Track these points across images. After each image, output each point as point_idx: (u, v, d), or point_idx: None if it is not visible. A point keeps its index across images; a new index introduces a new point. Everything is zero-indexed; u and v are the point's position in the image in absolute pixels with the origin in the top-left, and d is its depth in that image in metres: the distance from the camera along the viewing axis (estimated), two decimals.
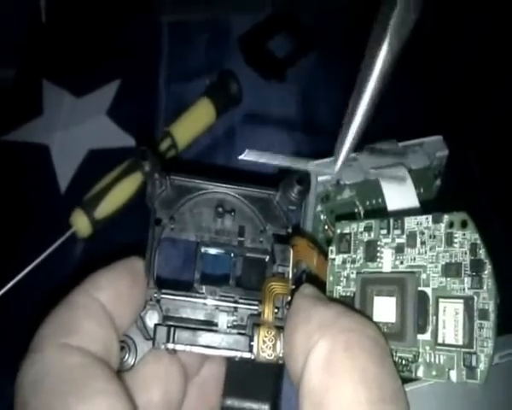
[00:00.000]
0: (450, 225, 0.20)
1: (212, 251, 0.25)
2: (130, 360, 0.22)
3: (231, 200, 0.25)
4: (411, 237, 0.21)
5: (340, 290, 0.23)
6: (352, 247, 0.23)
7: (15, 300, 0.42)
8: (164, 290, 0.23)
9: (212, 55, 0.57)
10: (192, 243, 0.25)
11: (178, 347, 0.22)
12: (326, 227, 0.32)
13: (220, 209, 0.25)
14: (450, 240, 0.20)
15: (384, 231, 0.22)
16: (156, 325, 0.22)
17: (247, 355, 0.22)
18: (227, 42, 0.58)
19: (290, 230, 0.25)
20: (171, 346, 0.22)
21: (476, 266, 0.19)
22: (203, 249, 0.24)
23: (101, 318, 0.21)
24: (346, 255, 0.23)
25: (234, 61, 0.56)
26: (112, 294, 0.21)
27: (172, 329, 0.22)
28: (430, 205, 0.32)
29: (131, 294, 0.22)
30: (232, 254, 0.25)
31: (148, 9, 0.60)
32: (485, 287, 0.19)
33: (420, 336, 0.20)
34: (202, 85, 0.53)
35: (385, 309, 0.21)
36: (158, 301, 0.23)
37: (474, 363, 0.19)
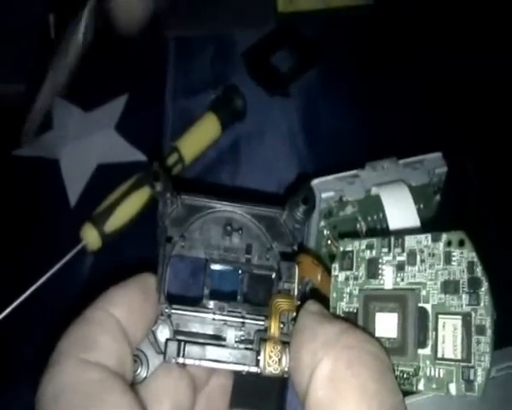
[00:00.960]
0: (449, 243, 0.21)
1: (221, 268, 0.25)
2: (143, 373, 0.23)
3: (239, 218, 0.26)
4: (411, 255, 0.22)
5: (343, 306, 0.23)
6: (354, 264, 0.23)
7: (28, 312, 0.43)
8: (174, 306, 0.24)
9: (217, 70, 0.58)
10: (200, 258, 0.25)
11: (188, 361, 0.23)
12: (329, 242, 0.32)
13: (228, 227, 0.25)
14: (448, 258, 0.21)
15: (385, 249, 0.23)
16: (167, 340, 0.23)
17: (253, 369, 0.23)
18: (231, 57, 0.58)
19: (296, 247, 0.25)
20: (181, 360, 0.23)
21: (473, 283, 0.20)
22: (212, 266, 0.25)
23: (116, 333, 0.21)
24: (348, 272, 0.23)
25: (238, 75, 0.57)
26: (126, 309, 0.22)
27: (182, 343, 0.23)
28: (430, 220, 0.33)
29: (144, 309, 0.23)
30: (240, 271, 0.25)
31: (154, 25, 0.62)
32: (482, 304, 0.19)
33: (420, 351, 0.20)
34: (208, 99, 0.54)
35: (387, 325, 0.21)
36: (169, 316, 0.24)
37: (472, 376, 0.19)
